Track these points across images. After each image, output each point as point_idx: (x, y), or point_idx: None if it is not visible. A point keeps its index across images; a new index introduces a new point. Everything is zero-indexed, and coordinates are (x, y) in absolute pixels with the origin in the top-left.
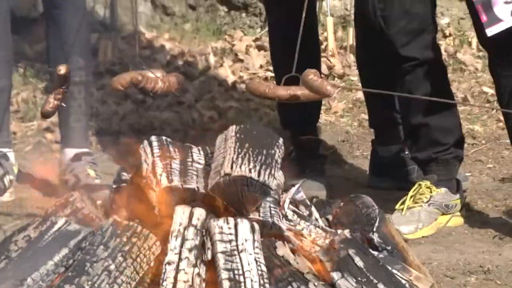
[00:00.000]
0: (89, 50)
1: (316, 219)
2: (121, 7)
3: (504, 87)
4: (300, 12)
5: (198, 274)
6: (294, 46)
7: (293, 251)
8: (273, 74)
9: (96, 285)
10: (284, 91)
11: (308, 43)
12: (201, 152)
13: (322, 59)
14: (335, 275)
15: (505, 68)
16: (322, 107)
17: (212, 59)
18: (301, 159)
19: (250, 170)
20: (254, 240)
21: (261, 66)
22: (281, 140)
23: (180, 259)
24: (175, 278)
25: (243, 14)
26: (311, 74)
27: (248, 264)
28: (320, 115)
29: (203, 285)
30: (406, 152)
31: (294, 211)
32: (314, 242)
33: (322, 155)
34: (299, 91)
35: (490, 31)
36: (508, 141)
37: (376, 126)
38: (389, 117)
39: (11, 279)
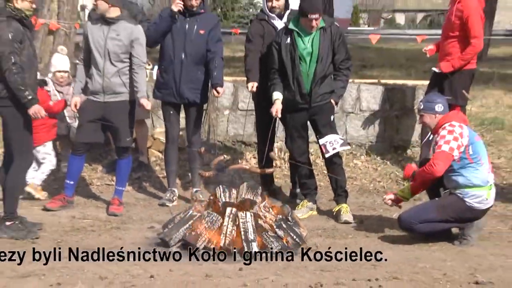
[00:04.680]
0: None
1: (271, 212)
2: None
3: (330, 170)
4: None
5: (231, 231)
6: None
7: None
8: None
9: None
10: (255, 169)
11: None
12: (238, 191)
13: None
14: (277, 230)
15: (330, 166)
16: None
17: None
18: (268, 193)
19: (251, 197)
20: (250, 218)
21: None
22: (260, 187)
23: (228, 223)
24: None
25: None
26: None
27: (248, 223)
28: (274, 178)
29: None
30: (297, 190)
31: (264, 207)
32: (270, 219)
33: (276, 190)
34: (257, 169)
35: (326, 155)
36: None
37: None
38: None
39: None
